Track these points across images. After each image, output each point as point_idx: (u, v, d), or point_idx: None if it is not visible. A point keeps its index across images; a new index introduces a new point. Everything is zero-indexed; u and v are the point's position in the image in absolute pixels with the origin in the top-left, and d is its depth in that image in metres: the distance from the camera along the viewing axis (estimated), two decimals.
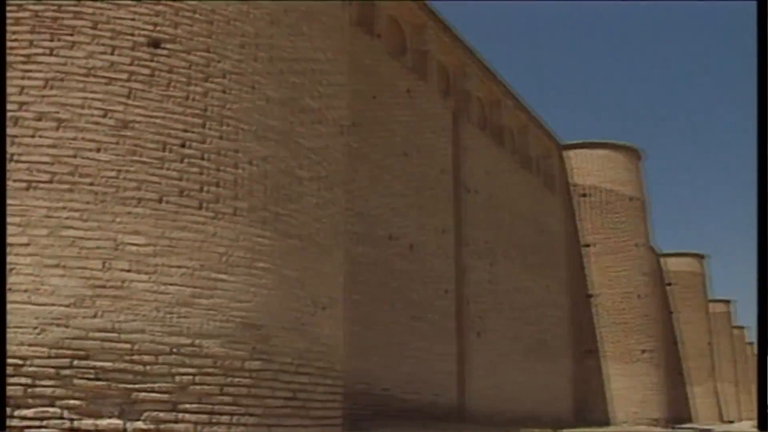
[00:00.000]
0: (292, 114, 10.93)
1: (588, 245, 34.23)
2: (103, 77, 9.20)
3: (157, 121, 9.33)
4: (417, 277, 19.84)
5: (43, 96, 9.01)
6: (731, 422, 53.23)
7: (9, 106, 8.86)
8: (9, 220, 8.52)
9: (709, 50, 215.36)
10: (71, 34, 9.23)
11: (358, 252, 17.19)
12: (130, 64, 9.37)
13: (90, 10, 9.33)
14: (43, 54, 9.14)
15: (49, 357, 8.28)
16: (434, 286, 20.77)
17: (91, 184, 8.81)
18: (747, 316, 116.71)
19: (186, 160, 9.41)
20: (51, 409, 8.15)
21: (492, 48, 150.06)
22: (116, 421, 8.30)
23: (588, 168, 35.03)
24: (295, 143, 10.86)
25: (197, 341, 8.95)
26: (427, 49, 22.86)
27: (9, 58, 9.01)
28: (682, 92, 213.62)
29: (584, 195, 34.70)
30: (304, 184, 10.94)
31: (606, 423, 31.61)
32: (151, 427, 8.41)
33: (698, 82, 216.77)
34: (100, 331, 8.45)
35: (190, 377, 8.80)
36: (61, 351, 8.29)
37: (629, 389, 32.94)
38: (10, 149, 8.74)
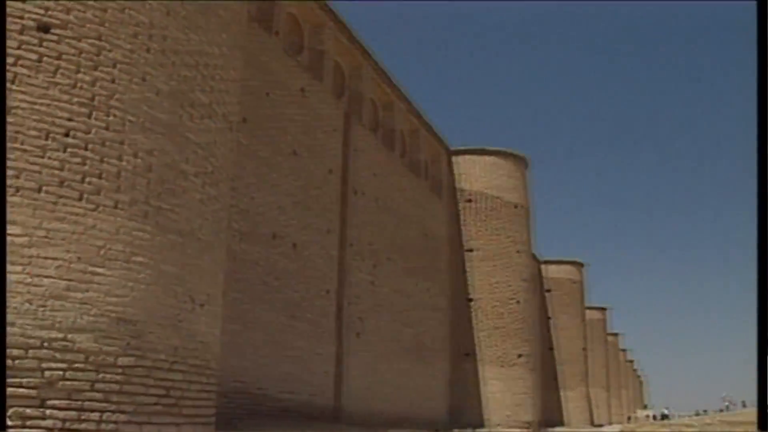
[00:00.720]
0: (181, 107, 10.81)
1: (471, 250, 34.80)
2: None
3: (41, 108, 9.08)
4: (299, 277, 19.81)
5: None
6: (601, 426, 54.89)
7: None
8: None
9: (596, 60, 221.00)
10: None
11: (241, 249, 17.10)
12: (17, 48, 9.09)
13: None
14: None
15: None
16: (316, 286, 20.78)
17: None
18: (620, 323, 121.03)
19: (68, 150, 9.20)
20: None
21: (387, 50, 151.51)
22: None
23: (475, 174, 35.60)
24: (182, 137, 10.74)
25: (69, 335, 8.75)
26: (324, 48, 22.88)
27: None
28: (568, 102, 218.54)
29: (470, 200, 35.26)
30: (189, 179, 10.83)
31: (480, 425, 32.18)
32: (17, 423, 8.18)
33: (584, 93, 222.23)
34: None
35: (60, 372, 8.59)
36: None
37: (504, 392, 33.64)
38: None
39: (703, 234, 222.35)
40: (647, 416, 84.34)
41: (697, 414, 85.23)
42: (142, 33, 10.31)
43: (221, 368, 12.09)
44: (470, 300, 34.44)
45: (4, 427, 7.76)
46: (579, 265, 56.07)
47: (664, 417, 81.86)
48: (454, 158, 35.69)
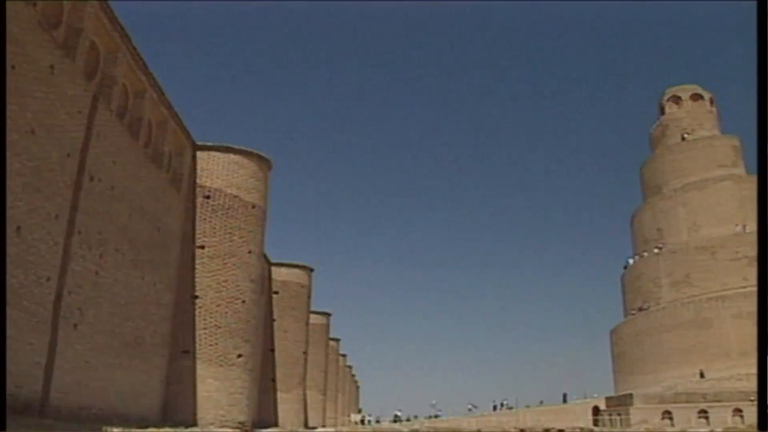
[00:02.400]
0: None
1: (203, 247, 34.61)
2: None
3: None
4: (19, 262, 18.65)
5: None
6: (314, 428, 56.25)
7: None
8: None
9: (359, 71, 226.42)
10: None
11: None
12: None
13: None
14: None
15: None
16: (36, 273, 19.63)
17: None
18: (340, 328, 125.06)
19: None
20: None
21: (148, 39, 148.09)
22: None
23: (217, 171, 35.52)
24: None
25: None
26: (82, 26, 21.92)
27: None
28: (319, 108, 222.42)
29: (208, 197, 35.11)
30: None
31: (193, 424, 31.86)
32: None
33: (334, 101, 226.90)
34: None
35: None
36: None
37: (219, 392, 33.61)
38: None
39: (417, 248, 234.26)
40: (356, 421, 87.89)
41: (408, 419, 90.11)
42: None
43: None
44: (196, 297, 34.14)
45: (4, 426, 7.17)
46: (308, 269, 57.23)
47: (396, 419, 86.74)
48: (198, 153, 35.34)
